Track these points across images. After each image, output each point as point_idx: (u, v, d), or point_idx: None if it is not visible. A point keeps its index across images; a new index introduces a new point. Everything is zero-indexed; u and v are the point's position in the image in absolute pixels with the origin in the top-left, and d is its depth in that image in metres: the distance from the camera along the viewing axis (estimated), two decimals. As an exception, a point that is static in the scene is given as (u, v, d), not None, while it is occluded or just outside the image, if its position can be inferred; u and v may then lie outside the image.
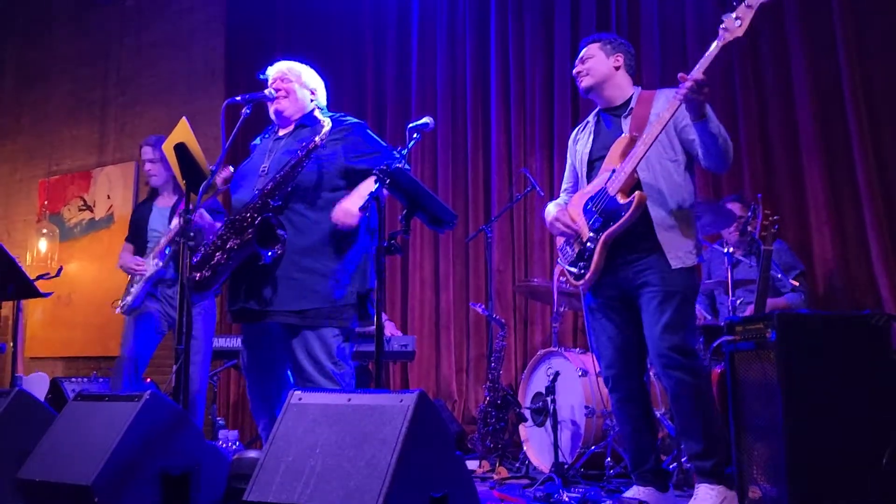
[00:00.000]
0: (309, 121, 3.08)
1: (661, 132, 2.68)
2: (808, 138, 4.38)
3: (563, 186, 3.17)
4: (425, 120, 3.02)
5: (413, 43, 6.07)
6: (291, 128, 3.13)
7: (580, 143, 3.08)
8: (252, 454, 2.40)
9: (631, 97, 2.96)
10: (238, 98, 3.22)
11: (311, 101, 3.16)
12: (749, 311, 3.71)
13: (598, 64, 2.99)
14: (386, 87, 6.16)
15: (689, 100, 2.57)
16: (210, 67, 7.08)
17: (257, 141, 3.29)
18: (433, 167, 5.86)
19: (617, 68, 2.99)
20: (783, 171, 4.47)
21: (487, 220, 5.24)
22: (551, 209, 3.04)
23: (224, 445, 2.74)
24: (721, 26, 2.56)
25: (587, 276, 2.81)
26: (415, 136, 3.03)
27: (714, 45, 2.57)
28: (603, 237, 2.76)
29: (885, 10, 4.20)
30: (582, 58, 3.03)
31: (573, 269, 2.88)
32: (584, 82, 3.01)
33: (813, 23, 4.42)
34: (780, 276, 3.87)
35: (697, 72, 2.54)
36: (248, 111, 3.18)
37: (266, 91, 3.18)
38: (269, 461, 2.00)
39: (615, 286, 2.83)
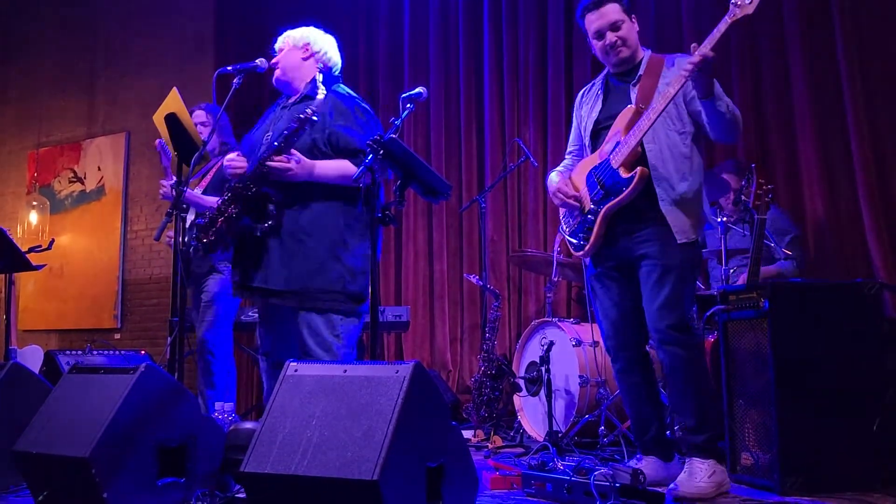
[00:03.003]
0: (313, 92, 3.02)
1: (665, 108, 2.60)
2: (802, 107, 4.36)
3: (569, 149, 3.09)
4: (418, 90, 2.99)
5: (405, 12, 6.00)
6: (297, 98, 3.06)
7: (586, 108, 2.97)
8: (248, 426, 2.42)
9: (640, 62, 2.82)
10: (229, 68, 3.20)
11: (318, 68, 3.07)
12: (742, 279, 3.72)
13: (631, 32, 2.81)
14: (378, 56, 6.10)
15: (697, 77, 2.51)
16: (200, 36, 6.99)
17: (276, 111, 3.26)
18: (426, 137, 5.83)
19: (637, 32, 2.85)
20: (777, 140, 4.46)
21: (481, 191, 5.22)
22: (553, 178, 2.96)
23: (220, 417, 2.75)
24: (732, 1, 2.46)
25: (586, 248, 2.80)
26: (408, 106, 3.00)
27: (724, 20, 2.48)
28: (604, 210, 2.73)
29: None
30: (612, 24, 2.79)
31: (573, 240, 2.86)
32: (622, 54, 2.81)
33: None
34: (772, 244, 3.88)
35: (706, 47, 2.45)
36: (238, 81, 3.16)
37: (258, 61, 3.15)
38: (266, 433, 2.01)
39: (615, 256, 2.81)
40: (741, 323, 2.87)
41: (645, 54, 2.85)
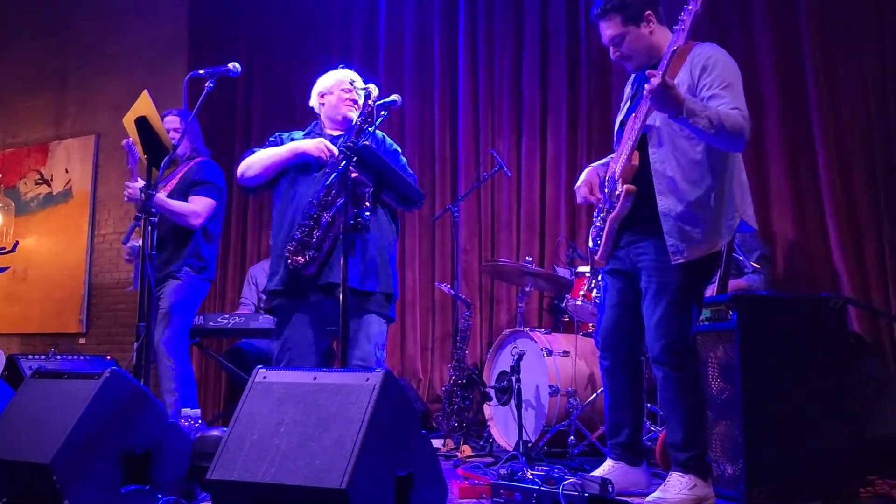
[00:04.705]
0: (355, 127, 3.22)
1: (641, 128, 2.54)
2: (771, 127, 4.42)
3: None
4: (393, 97, 3.01)
5: (381, 19, 6.00)
6: (342, 131, 3.26)
7: (622, 104, 2.90)
8: (215, 433, 2.39)
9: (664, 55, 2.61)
10: (201, 71, 3.20)
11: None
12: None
13: (635, 42, 2.68)
14: (353, 63, 6.08)
15: (655, 107, 2.45)
16: (173, 39, 6.93)
17: (297, 135, 3.32)
18: (400, 145, 5.80)
19: (652, 32, 2.69)
20: (746, 158, 4.47)
21: (454, 200, 5.22)
22: (583, 175, 2.87)
23: (186, 424, 2.72)
24: (675, 27, 2.45)
25: (598, 255, 2.78)
26: (382, 113, 3.02)
27: (668, 47, 2.47)
28: (609, 220, 2.69)
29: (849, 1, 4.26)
30: (612, 40, 2.71)
31: (591, 245, 2.83)
32: (629, 66, 2.76)
33: (778, 13, 4.46)
34: (741, 258, 3.93)
35: (657, 77, 2.38)
36: (211, 85, 3.15)
37: (231, 65, 3.16)
38: (233, 440, 1.99)
39: (620, 261, 2.77)
40: (709, 335, 2.90)
41: (671, 43, 2.66)
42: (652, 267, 2.64)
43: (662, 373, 2.63)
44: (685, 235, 2.57)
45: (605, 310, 2.86)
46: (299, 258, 3.00)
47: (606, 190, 2.74)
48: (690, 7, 2.40)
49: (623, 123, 2.80)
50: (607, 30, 2.71)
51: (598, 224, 2.78)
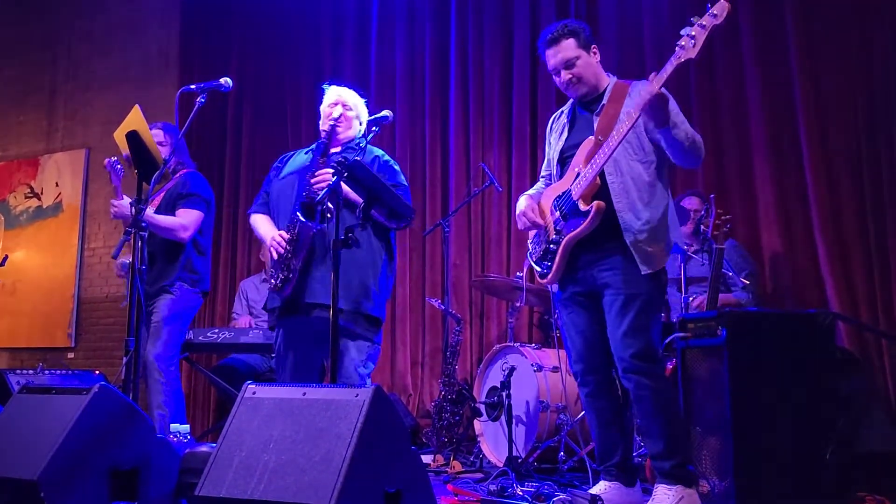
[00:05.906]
0: (356, 147, 3.21)
1: (618, 145, 2.61)
2: (759, 142, 4.46)
3: (542, 172, 3.10)
4: (384, 113, 3.03)
5: (372, 35, 6.03)
6: (339, 148, 3.23)
7: (554, 136, 3.00)
8: (204, 449, 2.38)
9: (605, 90, 2.84)
10: (193, 86, 3.21)
11: (359, 129, 3.34)
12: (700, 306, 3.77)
13: (586, 66, 2.83)
14: (344, 79, 6.10)
15: (648, 112, 2.53)
16: (164, 54, 6.94)
17: (304, 155, 3.33)
18: (391, 160, 5.83)
19: (598, 62, 2.88)
20: (734, 173, 4.55)
21: (445, 215, 5.23)
22: (521, 202, 2.96)
23: (175, 440, 2.70)
24: (678, 43, 2.47)
25: (549, 277, 2.82)
26: (374, 129, 3.04)
27: (670, 62, 2.49)
28: (564, 241, 2.75)
29: (836, 18, 4.30)
30: (566, 62, 2.83)
31: (538, 268, 2.88)
32: (578, 91, 2.85)
33: (766, 30, 4.50)
34: (731, 273, 3.95)
35: (655, 86, 2.47)
36: (202, 100, 3.16)
37: (222, 80, 3.17)
38: (222, 456, 1.98)
39: (581, 283, 2.81)
40: (699, 350, 2.91)
41: (610, 81, 2.87)
42: (619, 280, 2.70)
43: (634, 382, 2.66)
44: (646, 248, 2.69)
45: (574, 336, 2.89)
46: (275, 280, 3.05)
47: (558, 212, 2.80)
48: (705, 22, 2.42)
49: (563, 152, 2.90)
50: (560, 53, 2.83)
51: (550, 246, 2.83)
